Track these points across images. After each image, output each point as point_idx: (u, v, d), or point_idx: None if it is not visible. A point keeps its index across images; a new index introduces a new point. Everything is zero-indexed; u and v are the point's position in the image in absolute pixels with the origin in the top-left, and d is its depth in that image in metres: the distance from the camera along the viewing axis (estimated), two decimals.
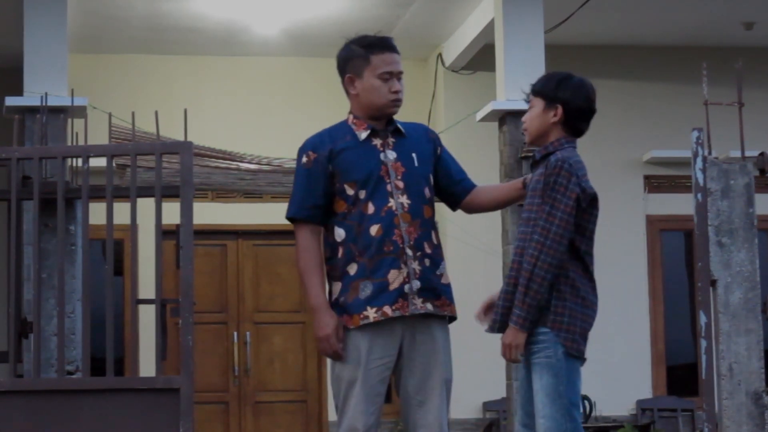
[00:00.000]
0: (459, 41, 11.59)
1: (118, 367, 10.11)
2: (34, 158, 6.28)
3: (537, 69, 9.52)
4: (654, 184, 12.28)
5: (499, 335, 4.88)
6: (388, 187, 4.83)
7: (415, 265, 4.79)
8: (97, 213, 6.46)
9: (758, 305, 5.92)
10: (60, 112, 8.87)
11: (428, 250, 4.84)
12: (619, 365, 11.78)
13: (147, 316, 7.33)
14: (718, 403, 5.87)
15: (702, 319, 5.84)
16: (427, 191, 4.91)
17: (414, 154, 4.91)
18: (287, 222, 4.93)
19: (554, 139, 4.83)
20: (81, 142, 8.55)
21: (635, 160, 12.23)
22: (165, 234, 6.18)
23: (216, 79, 12.21)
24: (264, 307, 12.24)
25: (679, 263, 12.47)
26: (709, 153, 6.05)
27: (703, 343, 5.84)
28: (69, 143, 8.53)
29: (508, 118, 9.81)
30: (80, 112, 9.08)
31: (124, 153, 6.55)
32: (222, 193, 10.84)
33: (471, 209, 5.12)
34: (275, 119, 12.12)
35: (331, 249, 4.87)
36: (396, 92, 4.88)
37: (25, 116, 8.99)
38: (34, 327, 6.28)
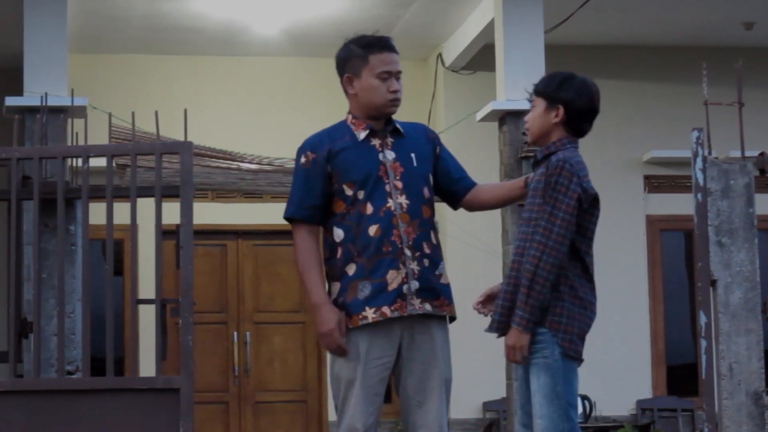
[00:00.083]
0: (459, 41, 11.59)
1: (118, 367, 10.11)
2: (34, 158, 6.28)
3: (537, 69, 9.53)
4: (654, 184, 12.28)
5: (498, 334, 4.88)
6: (387, 188, 4.82)
7: (414, 266, 4.79)
8: (97, 213, 6.46)
9: (758, 305, 5.92)
10: (60, 112, 8.87)
11: (427, 251, 4.83)
12: (619, 365, 11.78)
13: (147, 316, 7.33)
14: (718, 403, 5.87)
15: (702, 319, 5.84)
16: (426, 191, 4.90)
17: (413, 154, 4.90)
18: (287, 222, 4.93)
19: (556, 139, 4.83)
20: (81, 142, 8.55)
21: (635, 160, 12.23)
22: (165, 234, 6.19)
23: (216, 79, 12.21)
24: (264, 307, 12.24)
25: (679, 263, 12.47)
26: (709, 153, 6.05)
27: (703, 343, 5.84)
28: (69, 143, 8.53)
29: (508, 118, 9.81)
30: (80, 112, 9.08)
31: (124, 153, 6.55)
32: (222, 193, 10.84)
33: (472, 207, 5.11)
34: (275, 119, 12.12)
35: (330, 249, 4.87)
36: (394, 92, 4.88)
37: (25, 116, 8.99)
38: (34, 327, 6.28)
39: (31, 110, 8.92)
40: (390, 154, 4.88)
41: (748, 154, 6.21)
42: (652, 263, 12.21)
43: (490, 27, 10.44)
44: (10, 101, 9.14)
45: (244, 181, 9.83)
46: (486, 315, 4.93)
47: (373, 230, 4.78)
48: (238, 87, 12.24)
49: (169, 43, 11.78)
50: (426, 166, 4.94)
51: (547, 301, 4.67)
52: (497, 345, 9.72)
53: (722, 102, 6.40)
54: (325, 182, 4.85)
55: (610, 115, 11.96)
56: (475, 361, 11.22)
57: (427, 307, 4.80)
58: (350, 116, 4.95)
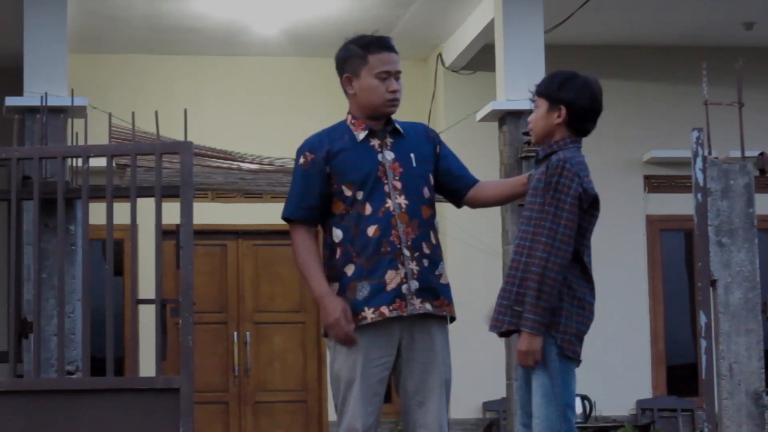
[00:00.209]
0: (459, 41, 11.59)
1: (118, 367, 10.11)
2: (34, 158, 6.28)
3: (537, 69, 9.53)
4: (654, 184, 12.28)
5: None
6: (386, 188, 4.82)
7: (413, 266, 4.79)
8: (97, 213, 6.46)
9: (758, 305, 5.92)
10: (60, 112, 8.87)
11: (427, 251, 4.83)
12: (619, 365, 11.78)
13: (147, 316, 7.33)
14: (718, 403, 5.87)
15: (702, 319, 5.84)
16: (426, 191, 4.90)
17: (412, 155, 4.90)
18: (284, 222, 4.93)
19: (559, 139, 4.82)
20: (81, 142, 8.55)
21: (635, 160, 12.23)
22: (165, 234, 6.18)
23: (216, 79, 12.21)
24: (264, 307, 12.24)
25: (679, 263, 12.47)
26: (709, 153, 6.05)
27: (703, 343, 5.84)
28: (69, 143, 8.54)
29: (508, 118, 9.81)
30: (80, 112, 9.08)
31: (124, 153, 6.55)
32: (222, 193, 10.84)
33: (474, 204, 5.10)
34: (275, 119, 12.12)
35: (329, 250, 4.87)
36: (393, 92, 4.87)
37: (25, 116, 8.99)
38: (34, 327, 6.28)
39: (31, 110, 8.92)
40: (389, 155, 4.88)
41: (748, 154, 6.21)
42: (652, 263, 12.21)
43: (490, 27, 10.44)
44: (10, 101, 9.14)
45: (244, 181, 9.82)
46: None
47: (371, 230, 4.78)
48: (238, 87, 12.24)
49: (169, 43, 11.78)
50: (426, 166, 4.94)
51: (556, 302, 4.66)
52: (497, 345, 9.72)
53: (722, 102, 6.40)
54: (323, 183, 4.85)
55: (610, 115, 11.89)
56: (475, 361, 11.22)
57: (428, 306, 4.79)
58: (350, 116, 4.95)
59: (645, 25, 11.70)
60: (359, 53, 4.88)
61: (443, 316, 4.88)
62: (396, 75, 4.89)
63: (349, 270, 4.80)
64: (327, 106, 10.34)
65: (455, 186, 5.04)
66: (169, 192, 6.41)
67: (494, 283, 8.69)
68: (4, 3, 10.12)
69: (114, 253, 6.21)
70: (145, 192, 6.41)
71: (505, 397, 10.13)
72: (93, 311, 6.30)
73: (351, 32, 5.04)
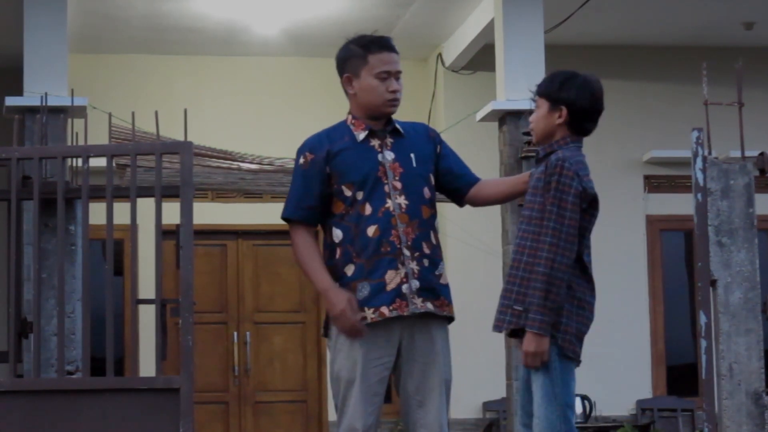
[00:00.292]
0: (459, 41, 11.59)
1: (118, 367, 10.12)
2: (34, 158, 6.28)
3: (537, 69, 9.53)
4: (654, 184, 12.28)
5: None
6: (386, 188, 4.82)
7: (414, 265, 4.79)
8: (97, 213, 6.46)
9: (758, 305, 5.92)
10: (60, 112, 8.87)
11: (427, 251, 4.83)
12: (619, 365, 11.78)
13: (147, 316, 7.32)
14: (718, 403, 5.87)
15: (702, 319, 5.84)
16: (426, 191, 4.90)
17: (412, 155, 4.90)
18: (284, 222, 4.93)
19: (559, 138, 4.82)
20: (81, 142, 8.55)
21: (635, 160, 12.23)
22: (165, 234, 6.18)
23: (216, 79, 12.21)
24: (264, 307, 12.24)
25: (679, 263, 12.47)
26: (709, 153, 6.05)
27: (703, 343, 5.83)
28: (69, 143, 8.54)
29: (508, 118, 9.81)
30: (80, 112, 9.08)
31: (124, 153, 6.55)
32: (222, 193, 10.84)
33: (476, 203, 5.09)
34: (275, 119, 12.12)
35: (329, 250, 4.87)
36: (393, 92, 4.87)
37: (25, 116, 9.00)
38: (34, 327, 6.28)
39: (31, 110, 8.92)
40: (389, 155, 4.87)
41: (748, 154, 6.20)
42: (652, 263, 12.21)
43: (490, 27, 10.44)
44: (10, 101, 9.14)
45: (244, 181, 9.82)
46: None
47: (371, 231, 4.78)
48: (238, 87, 12.24)
49: (169, 43, 11.79)
50: (426, 166, 4.93)
51: (563, 302, 4.65)
52: (497, 345, 9.71)
53: (722, 102, 6.40)
54: (323, 183, 4.85)
55: (610, 115, 11.85)
56: (475, 361, 11.22)
57: (429, 306, 4.79)
58: (350, 116, 4.95)
59: (645, 25, 11.70)
60: (359, 53, 4.88)
61: (443, 316, 4.88)
62: (396, 75, 4.88)
63: (349, 270, 4.80)
64: (327, 106, 10.35)
65: (456, 185, 5.04)
66: (169, 192, 6.41)
67: (494, 283, 8.71)
68: (4, 3, 10.12)
69: (114, 253, 6.21)
70: (145, 192, 6.41)
71: (505, 397, 10.13)
72: (93, 311, 6.29)
73: (351, 32, 5.04)
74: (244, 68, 12.26)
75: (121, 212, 6.53)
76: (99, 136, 9.27)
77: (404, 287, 4.77)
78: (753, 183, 6.02)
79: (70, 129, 8.51)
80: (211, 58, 12.18)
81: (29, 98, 9.03)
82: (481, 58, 11.49)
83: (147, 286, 6.75)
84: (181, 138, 7.95)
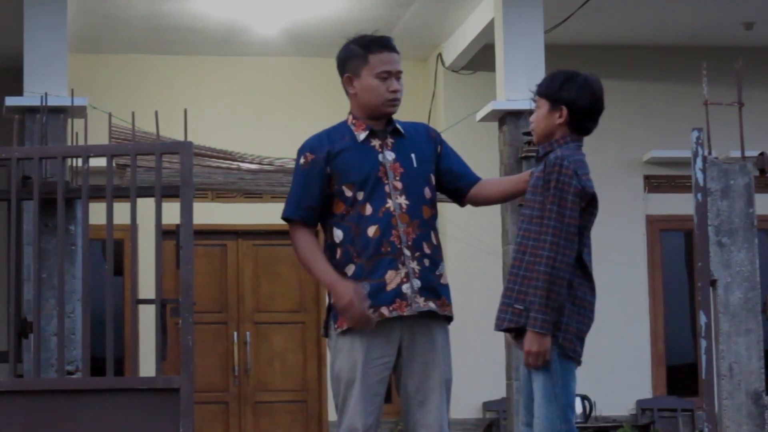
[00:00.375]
0: (459, 41, 11.59)
1: (118, 367, 10.11)
2: (34, 158, 6.27)
3: (537, 69, 9.53)
4: (654, 184, 12.28)
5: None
6: (387, 188, 4.82)
7: (414, 265, 4.79)
8: (97, 213, 6.45)
9: (758, 305, 5.92)
10: (60, 112, 8.87)
11: (427, 251, 4.83)
12: (619, 365, 11.78)
13: (147, 316, 7.32)
14: (718, 403, 5.87)
15: (702, 319, 5.84)
16: (427, 191, 4.90)
17: (413, 155, 4.90)
18: (284, 222, 4.93)
19: (559, 137, 4.82)
20: (81, 142, 8.55)
21: (635, 160, 12.23)
22: (165, 234, 6.18)
23: (216, 79, 12.21)
24: (264, 307, 12.24)
25: (679, 263, 12.47)
26: (709, 153, 6.05)
27: (703, 343, 5.83)
28: (69, 143, 8.54)
29: (508, 118, 9.81)
30: (80, 112, 9.08)
31: (124, 153, 6.55)
32: (222, 193, 10.85)
33: (477, 202, 5.09)
34: (275, 119, 12.12)
35: (329, 250, 4.86)
36: (394, 92, 4.87)
37: (25, 116, 9.00)
38: (34, 327, 6.28)
39: (31, 110, 8.92)
40: (390, 155, 4.87)
41: (748, 154, 6.20)
42: (652, 263, 12.21)
43: (490, 27, 10.44)
44: (10, 101, 9.14)
45: (244, 181, 9.82)
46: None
47: (372, 231, 4.78)
48: (238, 87, 12.24)
49: (169, 43, 11.78)
50: (427, 166, 4.93)
51: (564, 301, 4.64)
52: (497, 345, 9.70)
53: (722, 102, 6.40)
54: (323, 183, 4.85)
55: (610, 115, 11.84)
56: (475, 361, 11.22)
57: (431, 305, 4.79)
58: (351, 116, 4.95)
59: (645, 25, 11.70)
60: (360, 53, 4.88)
61: (444, 316, 4.88)
62: (397, 75, 4.88)
63: (350, 270, 4.80)
64: (327, 106, 10.35)
65: (457, 185, 5.04)
66: (169, 192, 6.41)
67: (494, 283, 8.73)
68: (4, 3, 10.12)
69: (114, 253, 6.21)
70: (145, 192, 6.41)
71: (505, 397, 10.12)
72: (93, 311, 6.29)
73: (351, 32, 5.04)
74: (244, 68, 12.26)
75: (121, 212, 6.53)
76: (99, 136, 9.27)
77: (405, 287, 4.77)
78: (753, 183, 6.02)
79: (70, 129, 8.51)
80: (211, 58, 12.18)
81: (29, 98, 9.03)
82: (481, 58, 11.49)
83: (147, 286, 6.75)
84: (181, 138, 7.95)
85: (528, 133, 8.79)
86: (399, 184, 4.83)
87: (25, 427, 5.90)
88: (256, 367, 12.14)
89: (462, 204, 5.11)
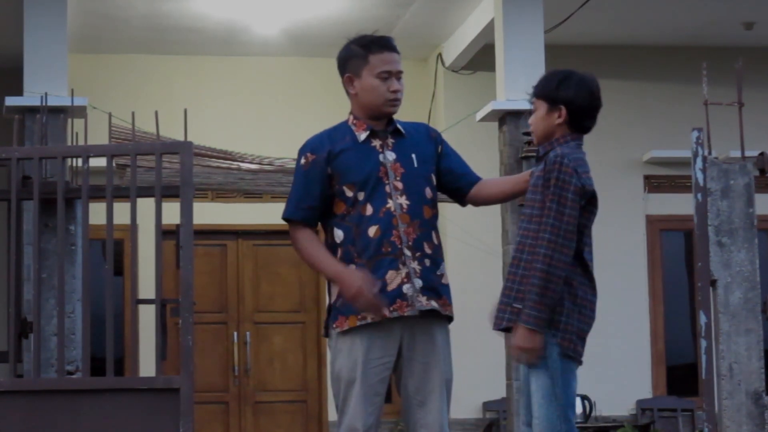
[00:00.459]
0: (459, 41, 11.59)
1: (118, 367, 10.11)
2: (34, 158, 6.27)
3: (537, 69, 9.52)
4: (654, 184, 12.28)
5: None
6: (387, 188, 4.82)
7: (415, 265, 4.79)
8: (97, 213, 6.45)
9: (758, 305, 5.91)
10: (60, 112, 8.87)
11: (428, 251, 4.83)
12: (619, 365, 11.78)
13: (147, 316, 7.33)
14: (718, 403, 5.87)
15: (702, 319, 5.84)
16: (428, 191, 4.90)
17: (413, 155, 4.90)
18: (284, 222, 4.93)
19: (559, 137, 4.82)
20: (81, 142, 8.55)
21: (635, 160, 12.23)
22: (165, 234, 6.18)
23: (216, 79, 12.21)
24: (264, 307, 12.24)
25: (679, 263, 12.47)
26: (709, 153, 6.05)
27: (703, 343, 5.83)
28: (69, 143, 8.53)
29: (508, 118, 9.81)
30: (80, 112, 9.08)
31: (124, 153, 6.55)
32: (222, 193, 10.84)
33: (478, 202, 5.09)
34: (275, 119, 12.12)
35: (330, 250, 4.86)
36: (394, 92, 4.87)
37: (25, 116, 9.00)
38: (34, 327, 6.28)
39: (31, 110, 8.92)
40: (390, 155, 4.88)
41: (748, 154, 6.20)
42: (652, 263, 12.21)
43: (490, 27, 10.44)
44: (10, 101, 9.14)
45: (244, 181, 9.82)
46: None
47: (372, 231, 4.78)
48: (238, 87, 12.24)
49: (169, 43, 11.79)
50: (428, 166, 4.93)
51: (559, 299, 4.64)
52: (497, 345, 9.69)
53: (722, 102, 6.40)
54: (324, 184, 4.85)
55: (610, 115, 11.90)
56: (475, 361, 11.22)
57: (434, 304, 4.79)
58: (351, 117, 4.95)
59: (645, 25, 11.70)
60: (360, 53, 4.88)
61: (444, 316, 4.88)
62: (397, 75, 4.88)
63: None
64: (327, 106, 10.35)
65: (458, 184, 5.04)
66: (169, 192, 6.41)
67: (494, 283, 8.69)
68: (4, 3, 10.12)
69: (114, 253, 6.21)
70: (145, 192, 6.41)
71: (505, 397, 10.13)
72: (93, 311, 6.29)
73: (351, 32, 5.04)
74: (244, 68, 12.26)
75: (121, 212, 6.53)
76: (99, 136, 9.27)
77: (405, 287, 4.77)
78: (753, 183, 6.02)
79: (70, 129, 8.50)
80: (211, 58, 12.18)
81: (29, 98, 9.03)
82: (481, 58, 11.49)
83: (147, 286, 6.75)
84: (181, 138, 7.95)
85: (528, 133, 8.79)
86: (400, 185, 4.83)
87: (25, 427, 5.90)
88: (256, 367, 12.14)
89: (463, 204, 5.11)
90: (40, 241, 6.57)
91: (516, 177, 5.16)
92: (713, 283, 5.91)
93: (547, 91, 4.84)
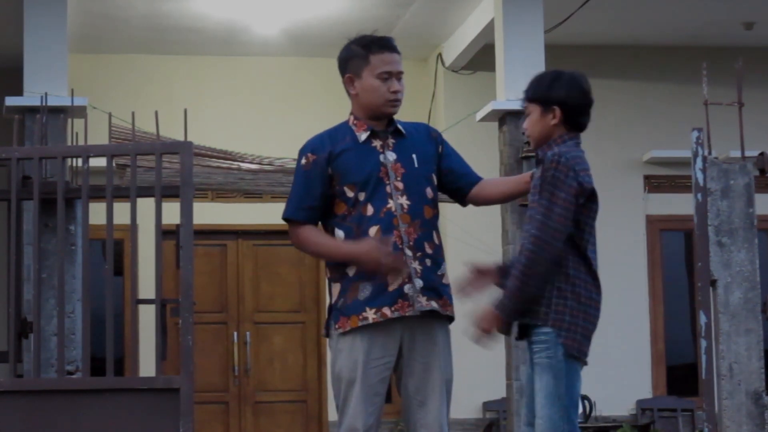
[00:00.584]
0: (459, 41, 11.59)
1: (118, 367, 10.11)
2: (34, 158, 6.27)
3: (537, 69, 9.39)
4: (654, 184, 12.28)
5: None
6: (388, 189, 4.82)
7: (416, 265, 4.79)
8: (97, 213, 6.45)
9: (758, 305, 5.91)
10: (60, 112, 8.87)
11: (429, 251, 4.84)
12: (619, 365, 11.78)
13: (147, 316, 7.32)
14: (718, 403, 5.86)
15: (702, 319, 5.84)
16: (428, 191, 4.90)
17: (414, 155, 4.90)
18: (285, 222, 4.93)
19: (557, 137, 4.82)
20: (81, 142, 8.55)
21: (635, 160, 12.23)
22: (165, 234, 6.18)
23: (216, 79, 12.21)
24: (264, 307, 12.24)
25: (679, 263, 12.47)
26: (709, 153, 6.05)
27: (703, 343, 5.83)
28: (69, 143, 8.53)
29: (508, 118, 9.81)
30: (80, 112, 9.08)
31: (124, 153, 6.55)
32: (222, 193, 10.84)
33: (478, 202, 5.09)
34: (275, 119, 12.12)
35: None
36: (395, 92, 4.87)
37: (25, 116, 9.00)
38: (34, 327, 6.27)
39: (31, 110, 8.92)
40: (391, 155, 4.88)
41: (748, 154, 6.20)
42: (652, 263, 12.21)
43: (490, 27, 10.44)
44: (10, 101, 9.14)
45: (244, 181, 9.82)
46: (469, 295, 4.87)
47: (373, 231, 4.78)
48: (238, 87, 12.24)
49: (169, 43, 11.79)
50: (428, 166, 4.94)
51: (539, 297, 4.65)
52: (497, 345, 9.68)
53: (722, 102, 6.40)
54: (325, 184, 4.85)
55: (610, 115, 11.98)
56: (475, 361, 11.20)
57: (434, 304, 4.80)
58: (352, 117, 4.96)
59: (645, 25, 11.70)
60: (361, 53, 4.88)
61: (445, 316, 4.88)
62: (398, 76, 4.89)
63: (351, 271, 4.80)
64: (327, 106, 10.35)
65: (459, 184, 5.04)
66: (169, 192, 6.41)
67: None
68: (4, 3, 10.12)
69: (114, 253, 6.21)
70: (145, 192, 6.41)
71: (505, 397, 10.13)
72: (93, 311, 6.29)
73: (351, 32, 5.04)
74: (244, 68, 12.26)
75: (121, 212, 6.53)
76: (99, 136, 9.27)
77: (406, 287, 4.77)
78: (753, 183, 6.01)
79: (70, 129, 8.51)
80: (211, 58, 12.18)
81: (29, 98, 9.03)
82: (481, 58, 11.49)
83: (147, 286, 6.75)
84: (181, 138, 7.95)
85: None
86: (400, 185, 4.84)
87: (25, 427, 5.90)
88: (256, 367, 12.14)
89: (463, 204, 5.12)
90: (40, 241, 6.56)
91: (517, 178, 5.16)
92: (713, 283, 5.91)
93: (539, 93, 4.84)
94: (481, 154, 10.52)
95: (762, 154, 6.09)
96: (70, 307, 7.65)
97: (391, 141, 4.91)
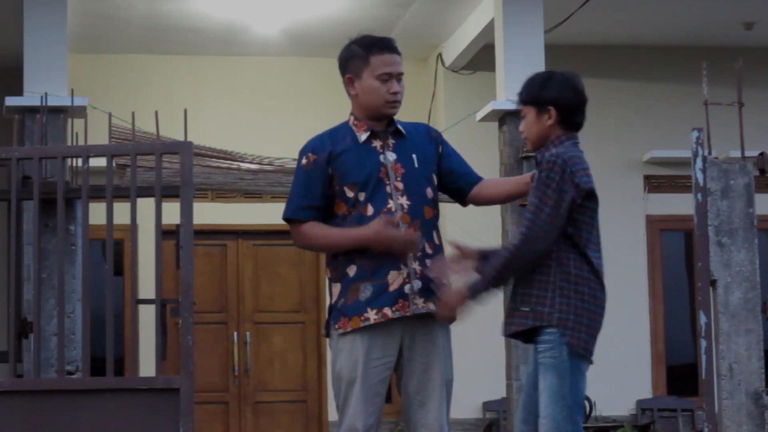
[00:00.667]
0: (459, 41, 11.59)
1: (118, 367, 10.11)
2: (34, 158, 6.27)
3: (537, 69, 9.41)
4: (654, 184, 12.28)
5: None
6: (388, 189, 4.82)
7: (416, 265, 4.79)
8: (97, 213, 6.45)
9: (758, 305, 5.92)
10: (60, 112, 8.87)
11: (429, 251, 4.83)
12: (619, 365, 11.77)
13: (147, 316, 7.33)
14: (718, 403, 5.87)
15: (702, 319, 5.84)
16: (428, 191, 4.90)
17: (414, 155, 4.90)
18: (285, 222, 4.93)
19: (554, 138, 4.82)
20: (81, 142, 8.55)
21: (635, 160, 12.22)
22: (165, 234, 6.18)
23: (216, 79, 12.21)
24: (264, 307, 12.24)
25: (679, 263, 12.47)
26: (709, 153, 6.05)
27: (703, 343, 5.83)
28: (69, 143, 8.53)
29: (508, 118, 9.81)
30: (80, 112, 9.08)
31: (124, 153, 6.55)
32: (222, 193, 10.84)
33: (478, 202, 5.09)
34: (275, 119, 12.12)
35: None
36: (394, 93, 4.87)
37: (25, 116, 8.99)
38: (34, 327, 6.28)
39: (31, 110, 8.91)
40: (391, 156, 4.88)
41: (748, 154, 6.21)
42: (652, 263, 12.21)
43: (490, 27, 10.44)
44: (10, 101, 9.14)
45: (244, 181, 9.82)
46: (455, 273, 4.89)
47: None
48: (238, 87, 12.24)
49: (169, 43, 11.78)
50: (428, 166, 4.94)
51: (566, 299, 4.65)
52: (497, 345, 9.69)
53: (722, 102, 6.40)
54: (325, 184, 4.85)
55: (610, 115, 11.98)
56: (475, 361, 11.22)
57: (431, 306, 4.80)
58: (352, 117, 4.96)
59: (645, 25, 11.69)
60: (361, 54, 4.88)
61: None
62: (398, 76, 4.89)
63: (351, 271, 4.80)
64: (327, 106, 10.35)
65: (459, 184, 5.04)
66: (169, 192, 6.41)
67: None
68: (4, 3, 10.12)
69: (114, 253, 6.21)
70: (145, 192, 6.41)
71: (505, 397, 10.12)
72: (93, 311, 6.29)
73: (351, 32, 5.04)
74: (244, 68, 12.26)
75: (121, 212, 6.53)
76: (99, 136, 9.27)
77: (407, 288, 4.77)
78: (753, 183, 6.02)
79: (70, 129, 8.51)
80: (211, 58, 12.18)
81: (29, 98, 9.02)
82: (481, 58, 11.48)
83: (147, 286, 6.75)
84: (181, 138, 7.95)
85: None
86: (400, 185, 4.84)
87: (25, 427, 5.90)
88: (256, 367, 12.14)
89: (464, 204, 5.12)
90: (40, 241, 6.56)
91: (517, 178, 5.17)
92: (713, 283, 5.91)
93: (532, 95, 4.85)
94: (481, 154, 10.51)
95: (762, 154, 6.09)
96: (70, 307, 7.65)
97: (391, 141, 4.91)
